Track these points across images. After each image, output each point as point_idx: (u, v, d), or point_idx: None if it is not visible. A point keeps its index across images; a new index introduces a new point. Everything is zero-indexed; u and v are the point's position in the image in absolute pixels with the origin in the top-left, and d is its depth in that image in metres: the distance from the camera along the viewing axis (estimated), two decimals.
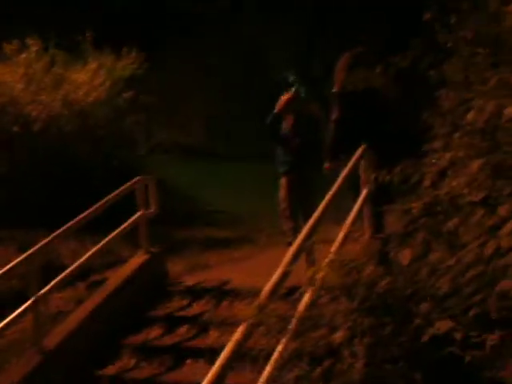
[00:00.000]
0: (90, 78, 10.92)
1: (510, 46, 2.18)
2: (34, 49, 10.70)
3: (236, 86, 16.58)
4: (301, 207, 7.57)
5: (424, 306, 2.60)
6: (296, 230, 7.62)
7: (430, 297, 2.67)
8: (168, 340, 6.13)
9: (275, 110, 7.83)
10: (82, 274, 7.43)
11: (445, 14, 4.38)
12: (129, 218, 7.15)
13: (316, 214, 4.49)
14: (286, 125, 7.88)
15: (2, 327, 5.67)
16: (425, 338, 2.41)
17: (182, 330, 6.20)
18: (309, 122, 7.86)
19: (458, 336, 2.33)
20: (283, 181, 7.85)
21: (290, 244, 7.32)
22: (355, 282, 2.76)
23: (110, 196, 6.95)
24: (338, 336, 2.58)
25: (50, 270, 6.75)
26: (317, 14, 16.42)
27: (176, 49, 15.96)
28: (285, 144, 7.88)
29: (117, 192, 7.02)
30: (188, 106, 16.58)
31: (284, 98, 7.99)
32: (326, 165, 6.95)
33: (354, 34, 14.61)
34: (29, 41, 10.70)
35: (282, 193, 7.78)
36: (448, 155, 3.84)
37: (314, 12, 16.48)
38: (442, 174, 4.32)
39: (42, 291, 5.95)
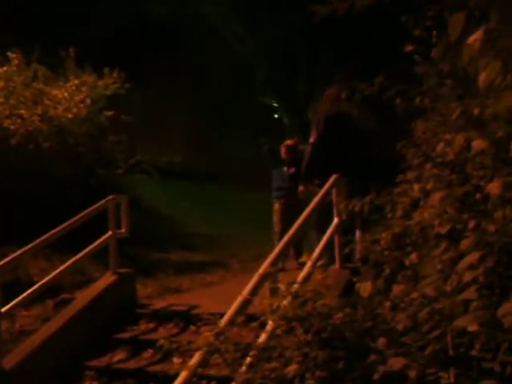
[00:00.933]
0: (71, 95, 10.84)
1: (472, 78, 2.15)
2: (15, 62, 10.62)
3: (218, 106, 16.61)
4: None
5: (381, 341, 2.52)
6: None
7: (387, 331, 2.59)
8: (132, 364, 5.99)
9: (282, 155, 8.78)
10: (52, 292, 7.28)
11: (426, 47, 4.39)
12: (102, 237, 7.04)
13: (281, 243, 4.43)
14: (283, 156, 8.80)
15: None
16: (376, 376, 2.32)
17: (147, 354, 6.06)
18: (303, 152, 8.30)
19: (412, 374, 2.25)
20: (277, 206, 8.64)
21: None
22: (310, 313, 2.67)
23: (81, 214, 6.84)
24: (291, 369, 2.49)
25: (18, 286, 6.63)
26: (303, 35, 16.48)
27: (158, 69, 15.96)
28: (281, 172, 8.77)
29: (88, 210, 6.91)
30: (169, 126, 16.55)
31: (287, 144, 8.90)
32: (301, 187, 7.03)
33: (340, 58, 14.76)
34: (11, 54, 10.62)
35: (276, 217, 8.56)
36: (418, 186, 3.80)
37: (300, 33, 16.55)
38: (414, 205, 4.29)
39: (6, 308, 5.81)
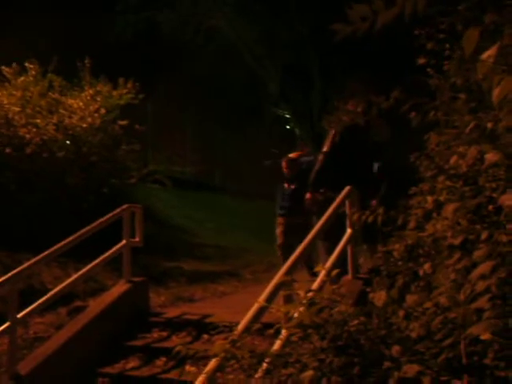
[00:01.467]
0: (86, 105, 10.97)
1: (485, 92, 2.21)
2: (32, 73, 10.77)
3: (231, 117, 16.71)
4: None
5: (395, 349, 2.56)
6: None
7: (402, 339, 2.64)
8: (145, 371, 6.04)
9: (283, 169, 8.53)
10: (65, 299, 7.36)
11: (439, 60, 4.45)
12: (115, 245, 7.11)
13: (296, 253, 4.48)
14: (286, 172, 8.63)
15: None
16: (391, 382, 2.37)
17: (160, 361, 6.12)
18: (307, 170, 8.12)
19: (426, 381, 2.30)
20: (280, 220, 8.58)
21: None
22: (326, 320, 2.73)
23: (95, 223, 6.91)
24: (307, 375, 2.54)
25: (31, 294, 6.71)
26: (316, 48, 16.59)
27: (171, 79, 16.10)
28: (282, 189, 8.64)
29: (103, 219, 6.99)
30: (181, 136, 16.67)
31: (288, 158, 8.72)
32: (308, 195, 7.04)
33: (353, 70, 14.82)
34: (28, 64, 10.77)
35: (279, 230, 8.53)
36: (431, 198, 3.85)
37: (313, 46, 16.66)
38: (427, 217, 4.33)
39: (21, 314, 5.89)
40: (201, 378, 3.14)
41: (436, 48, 4.46)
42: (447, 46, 4.40)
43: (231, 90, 16.97)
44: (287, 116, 18.62)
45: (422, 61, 4.54)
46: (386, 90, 4.46)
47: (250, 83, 17.37)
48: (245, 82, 17.29)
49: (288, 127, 18.88)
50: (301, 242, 7.71)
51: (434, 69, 4.52)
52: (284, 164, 8.62)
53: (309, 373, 2.55)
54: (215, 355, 3.08)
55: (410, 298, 3.14)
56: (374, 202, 4.36)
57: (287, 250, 7.92)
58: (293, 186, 8.48)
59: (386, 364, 2.50)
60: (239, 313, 6.06)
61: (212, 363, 3.19)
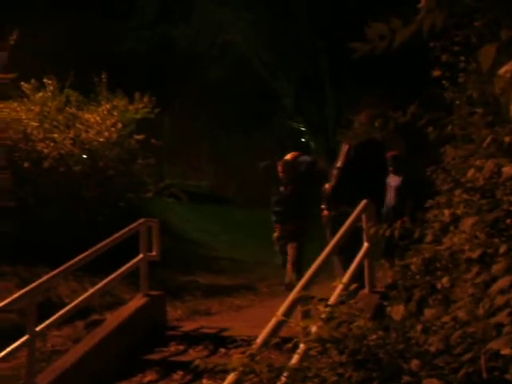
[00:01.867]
0: (103, 119, 11.06)
1: (503, 106, 2.21)
2: (50, 88, 10.88)
3: (246, 129, 16.76)
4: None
5: (414, 363, 2.56)
6: (284, 265, 8.00)
7: (420, 353, 2.64)
8: None
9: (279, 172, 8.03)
10: (82, 313, 7.39)
11: (454, 73, 4.45)
12: (132, 259, 7.15)
13: (314, 267, 4.49)
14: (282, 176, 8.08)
15: None
16: None
17: (177, 375, 6.12)
18: (306, 172, 8.04)
19: None
20: (276, 232, 8.11)
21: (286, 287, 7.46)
22: (345, 335, 2.73)
23: (112, 237, 6.95)
24: None
25: (49, 307, 6.75)
26: (330, 62, 16.64)
27: (186, 94, 16.18)
28: (278, 193, 8.06)
29: (119, 234, 7.02)
30: (196, 149, 16.74)
31: (284, 160, 8.15)
32: (325, 211, 7.00)
33: (367, 84, 14.85)
34: (46, 80, 10.89)
35: (276, 234, 8.08)
36: (448, 211, 3.85)
37: (327, 60, 16.70)
38: (444, 230, 4.32)
39: (39, 327, 5.93)
40: None
41: (451, 60, 4.46)
42: (462, 58, 4.40)
43: (245, 103, 17.04)
44: (302, 129, 18.67)
45: (437, 73, 4.54)
46: (401, 102, 4.47)
47: (264, 96, 17.43)
48: (259, 95, 17.37)
49: (303, 140, 18.92)
50: (297, 248, 7.69)
51: (449, 81, 4.51)
52: (280, 167, 8.18)
53: None
54: (233, 369, 3.09)
55: (428, 312, 3.14)
56: (404, 219, 4.35)
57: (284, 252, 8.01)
58: (289, 190, 8.02)
59: (405, 378, 2.50)
60: (256, 327, 6.07)
61: (230, 377, 3.20)
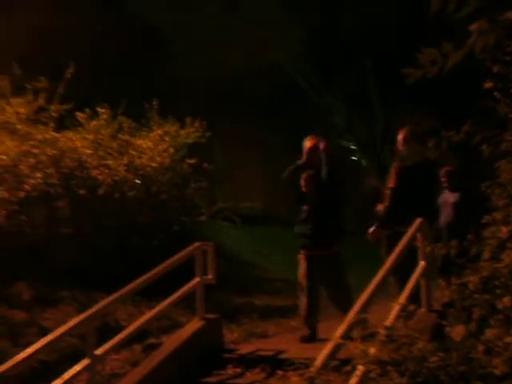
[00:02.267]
0: (155, 145, 11.23)
1: None
2: (103, 116, 11.12)
3: (297, 150, 16.76)
4: (327, 291, 7.39)
5: None
6: (313, 325, 7.27)
7: (484, 376, 2.59)
8: None
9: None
10: (139, 336, 7.48)
11: (506, 84, 4.39)
12: (186, 282, 7.22)
13: (370, 288, 4.46)
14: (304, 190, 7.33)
15: None
16: None
17: None
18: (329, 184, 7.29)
19: None
20: (301, 257, 7.36)
21: (302, 339, 7.09)
22: (405, 357, 2.71)
23: (168, 262, 7.03)
24: None
25: (107, 331, 6.86)
26: (376, 80, 16.59)
27: (236, 116, 16.31)
28: (303, 212, 7.31)
29: (175, 258, 7.10)
30: (248, 171, 16.82)
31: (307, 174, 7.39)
32: (373, 229, 6.90)
33: (416, 101, 14.73)
34: (99, 109, 11.14)
35: (301, 270, 7.35)
36: (506, 228, 3.79)
37: (373, 79, 16.64)
38: (502, 247, 4.25)
39: (99, 351, 6.03)
40: None
41: (502, 71, 4.39)
42: None
43: (295, 121, 17.07)
44: (352, 147, 18.62)
45: (488, 85, 4.47)
46: (451, 118, 4.43)
47: (313, 114, 17.45)
48: (308, 114, 17.39)
49: (354, 158, 18.84)
50: (334, 281, 6.95)
51: (501, 93, 4.44)
52: (303, 181, 7.26)
53: None
54: None
55: (490, 332, 3.09)
56: (466, 235, 4.30)
57: (313, 297, 7.27)
58: (313, 207, 7.14)
59: None
60: (313, 348, 6.06)
61: None
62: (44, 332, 6.78)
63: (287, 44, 16.55)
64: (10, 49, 13.16)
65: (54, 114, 10.70)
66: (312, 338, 7.17)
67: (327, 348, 3.61)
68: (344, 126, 17.81)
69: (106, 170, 10.68)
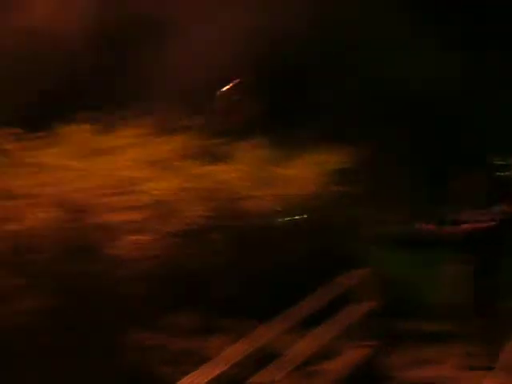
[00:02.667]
0: (304, 173, 11.24)
1: None
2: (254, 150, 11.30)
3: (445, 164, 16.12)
4: None
5: None
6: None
7: None
8: None
9: None
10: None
11: None
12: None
13: None
14: None
15: None
16: None
17: None
18: None
19: None
20: None
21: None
22: None
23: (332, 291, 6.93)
24: None
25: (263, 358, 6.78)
26: None
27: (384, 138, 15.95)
28: None
29: (340, 283, 7.01)
30: (399, 191, 16.36)
31: None
32: None
33: None
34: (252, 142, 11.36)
35: None
36: None
37: None
38: None
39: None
40: None
41: None
42: None
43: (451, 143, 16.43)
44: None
45: None
46: None
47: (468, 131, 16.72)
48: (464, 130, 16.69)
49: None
50: None
51: None
52: None
53: None
54: None
55: None
56: None
57: None
58: None
59: None
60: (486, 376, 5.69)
61: None
62: (203, 360, 6.82)
63: None
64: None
65: (209, 149, 11.04)
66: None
67: None
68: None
69: (257, 201, 10.78)
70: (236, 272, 10.36)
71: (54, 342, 6.15)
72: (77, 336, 6.42)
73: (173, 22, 12.72)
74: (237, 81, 10.99)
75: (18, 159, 7.73)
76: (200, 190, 10.62)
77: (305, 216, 10.98)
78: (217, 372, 5.51)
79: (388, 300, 8.01)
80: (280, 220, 10.80)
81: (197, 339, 8.55)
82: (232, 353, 5.98)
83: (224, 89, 11.07)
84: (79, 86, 12.65)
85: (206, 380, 5.35)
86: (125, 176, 9.09)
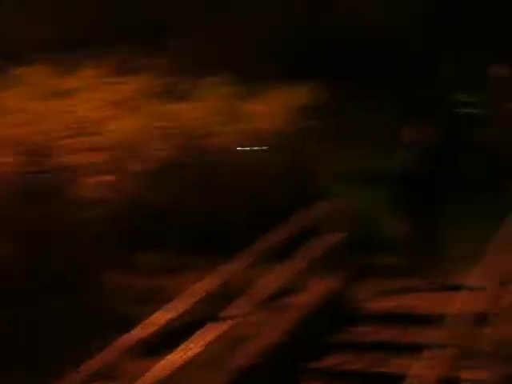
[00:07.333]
0: (276, 109, 11.15)
1: None
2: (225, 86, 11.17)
3: (409, 108, 16.19)
4: None
5: None
6: None
7: None
8: (356, 365, 6.00)
9: None
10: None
11: None
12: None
13: None
14: None
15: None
16: None
17: (371, 355, 6.05)
18: None
19: None
20: None
21: None
22: None
23: (299, 221, 6.97)
24: None
25: (228, 294, 6.84)
26: None
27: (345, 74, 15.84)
28: None
29: (305, 215, 7.06)
30: (364, 131, 16.42)
31: None
32: None
33: None
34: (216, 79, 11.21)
35: None
36: None
37: None
38: None
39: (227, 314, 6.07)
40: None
41: None
42: None
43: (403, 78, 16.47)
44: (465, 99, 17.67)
45: None
46: None
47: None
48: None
49: (468, 111, 17.90)
50: None
51: None
52: None
53: None
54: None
55: None
56: None
57: None
58: None
59: None
60: (444, 302, 5.85)
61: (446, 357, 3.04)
62: (169, 298, 6.85)
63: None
64: None
65: (169, 87, 10.88)
66: None
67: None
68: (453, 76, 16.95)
69: (229, 138, 10.68)
70: (203, 209, 10.37)
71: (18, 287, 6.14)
72: (44, 279, 6.40)
73: None
74: None
75: None
76: (165, 129, 10.53)
77: (264, 148, 10.94)
78: (182, 310, 5.54)
79: (351, 233, 8.09)
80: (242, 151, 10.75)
81: (163, 277, 8.59)
82: (197, 290, 6.03)
83: None
84: None
85: (171, 317, 5.39)
86: (86, 117, 8.96)
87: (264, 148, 10.82)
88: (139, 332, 5.11)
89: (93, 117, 9.02)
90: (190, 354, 5.36)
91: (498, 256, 5.73)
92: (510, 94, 15.07)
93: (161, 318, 5.45)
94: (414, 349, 5.03)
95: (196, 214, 10.28)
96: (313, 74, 11.50)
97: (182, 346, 5.43)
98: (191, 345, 5.61)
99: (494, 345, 2.73)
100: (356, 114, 16.32)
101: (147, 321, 5.35)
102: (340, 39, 15.85)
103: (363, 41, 15.76)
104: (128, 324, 5.46)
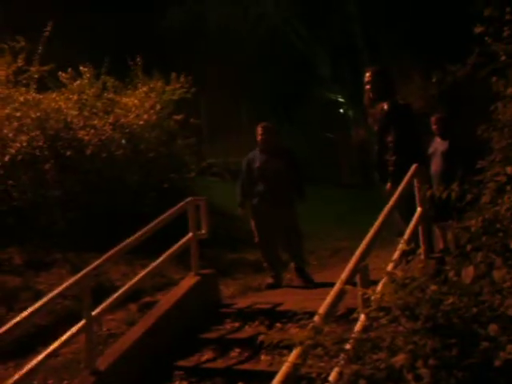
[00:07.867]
0: (141, 102, 11.04)
1: None
2: (86, 76, 10.89)
3: (282, 104, 16.57)
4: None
5: (492, 328, 2.46)
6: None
7: (497, 317, 2.53)
8: (221, 363, 6.04)
9: None
10: (134, 296, 7.41)
11: (497, 28, 4.25)
12: (179, 240, 7.14)
13: (371, 234, 4.38)
14: None
15: (56, 347, 5.66)
16: (497, 363, 2.26)
17: (234, 352, 6.11)
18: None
19: None
20: None
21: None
22: (419, 301, 2.63)
23: (160, 217, 6.94)
24: (400, 358, 2.45)
25: (101, 292, 6.78)
26: (364, 25, 16.28)
27: (222, 70, 16.04)
28: None
29: (168, 213, 7.01)
30: (235, 126, 16.65)
31: None
32: (388, 185, 6.72)
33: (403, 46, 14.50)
34: (82, 68, 10.90)
35: None
36: (510, 168, 3.70)
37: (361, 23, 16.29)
38: (501, 190, 4.18)
39: (95, 312, 5.96)
40: (284, 368, 3.10)
41: (494, 14, 4.22)
42: (507, 10, 4.18)
43: (281, 76, 16.84)
44: (340, 100, 18.43)
45: (479, 29, 4.27)
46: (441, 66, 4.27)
47: (300, 68, 17.21)
48: (296, 67, 17.16)
49: (341, 111, 18.68)
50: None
51: (492, 37, 4.28)
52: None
53: (400, 357, 2.46)
54: (300, 343, 3.02)
55: (497, 274, 3.03)
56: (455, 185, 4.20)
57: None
58: None
59: (484, 344, 2.40)
60: (309, 300, 6.03)
61: (295, 352, 3.14)
62: (39, 296, 6.70)
63: None
64: None
65: (35, 75, 10.48)
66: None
67: (329, 297, 3.54)
68: (330, 76, 17.57)
69: (93, 130, 10.47)
70: (71, 204, 10.09)
71: None
72: None
73: None
74: None
75: None
76: (29, 119, 10.12)
77: (142, 146, 10.80)
78: (55, 307, 5.37)
79: (218, 230, 8.18)
80: (118, 151, 10.53)
81: (31, 275, 8.31)
82: (68, 286, 5.86)
83: None
84: None
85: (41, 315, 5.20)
86: None
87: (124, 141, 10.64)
88: None
89: None
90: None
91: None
92: None
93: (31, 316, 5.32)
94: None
95: (59, 208, 10.01)
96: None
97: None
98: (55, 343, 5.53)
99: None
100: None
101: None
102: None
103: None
104: None
